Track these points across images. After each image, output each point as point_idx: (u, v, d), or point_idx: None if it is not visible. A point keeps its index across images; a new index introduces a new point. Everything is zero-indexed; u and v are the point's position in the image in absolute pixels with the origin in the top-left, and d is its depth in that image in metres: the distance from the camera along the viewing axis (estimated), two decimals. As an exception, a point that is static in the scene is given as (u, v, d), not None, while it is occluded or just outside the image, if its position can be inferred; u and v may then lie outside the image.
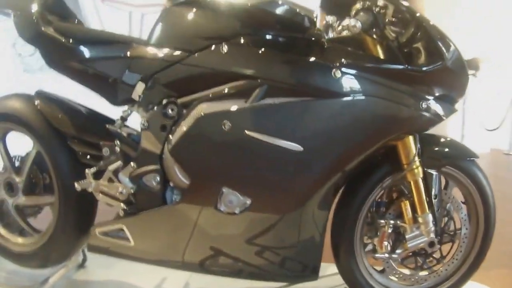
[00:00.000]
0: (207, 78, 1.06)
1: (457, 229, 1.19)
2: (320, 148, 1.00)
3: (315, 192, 1.05)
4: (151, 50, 1.13)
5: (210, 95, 1.04)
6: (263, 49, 1.02)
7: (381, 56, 1.04)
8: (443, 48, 0.99)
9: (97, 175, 1.18)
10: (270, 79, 0.99)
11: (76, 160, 1.26)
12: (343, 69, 0.98)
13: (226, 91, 1.02)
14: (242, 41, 1.03)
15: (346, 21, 0.99)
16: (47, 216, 1.35)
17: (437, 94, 1.03)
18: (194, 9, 1.10)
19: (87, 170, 1.18)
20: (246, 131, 0.99)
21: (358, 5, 1.03)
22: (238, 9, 1.06)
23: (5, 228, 1.40)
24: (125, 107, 1.25)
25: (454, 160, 1.13)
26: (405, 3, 1.04)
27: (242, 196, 1.03)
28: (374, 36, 1.04)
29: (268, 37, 1.04)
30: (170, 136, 1.07)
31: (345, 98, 0.98)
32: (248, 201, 1.03)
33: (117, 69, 1.16)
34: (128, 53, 1.16)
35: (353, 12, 1.03)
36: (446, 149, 1.15)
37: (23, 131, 1.31)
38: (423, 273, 1.21)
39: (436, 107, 1.03)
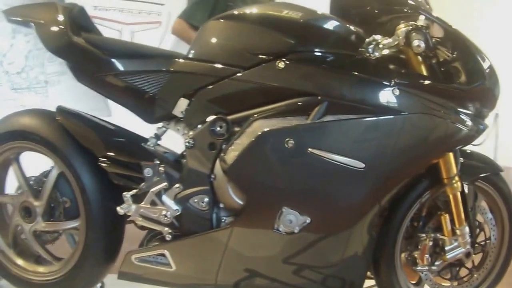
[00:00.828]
0: (260, 94, 1.04)
1: (487, 239, 1.25)
2: (380, 165, 1.01)
3: (371, 209, 1.06)
4: (194, 65, 1.10)
5: (267, 112, 1.02)
6: (320, 66, 1.03)
7: (425, 73, 1.08)
8: (483, 67, 1.06)
9: (136, 198, 1.11)
10: (330, 96, 1.00)
11: (106, 182, 1.18)
12: (400, 87, 1.01)
13: (284, 108, 1.01)
14: (298, 57, 1.03)
15: (394, 40, 1.03)
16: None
17: (476, 110, 1.09)
18: (241, 23, 1.10)
19: (125, 193, 1.10)
20: (309, 148, 0.98)
21: (402, 25, 1.05)
22: (292, 24, 1.06)
23: (20, 256, 1.29)
24: (159, 125, 1.21)
25: (485, 174, 1.20)
26: (445, 21, 1.09)
27: (301, 215, 1.01)
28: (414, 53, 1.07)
29: (324, 53, 1.05)
30: (223, 155, 1.03)
31: (403, 115, 1.01)
32: (308, 220, 1.02)
33: (156, 84, 1.12)
34: (169, 67, 1.11)
35: (399, 32, 1.04)
36: (479, 163, 1.21)
37: (43, 151, 1.22)
38: (456, 283, 1.25)
39: (475, 123, 1.09)
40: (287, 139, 0.98)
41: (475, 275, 1.24)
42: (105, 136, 1.19)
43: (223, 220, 1.08)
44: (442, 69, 1.11)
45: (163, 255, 1.11)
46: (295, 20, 1.05)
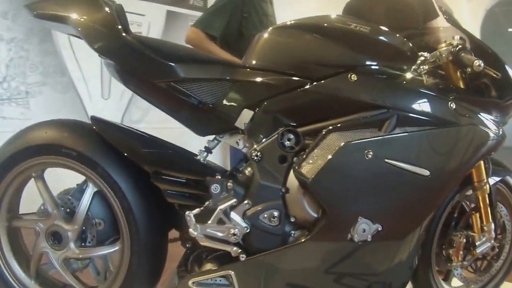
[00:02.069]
0: (331, 106, 1.04)
1: (502, 233, 1.39)
2: (441, 173, 1.08)
3: (428, 215, 1.12)
4: (259, 74, 1.05)
5: (340, 124, 1.02)
6: (388, 80, 1.07)
7: (464, 87, 1.17)
8: None
9: (199, 217, 1.02)
10: (399, 110, 1.04)
11: (152, 200, 1.09)
12: (455, 101, 1.09)
13: (357, 120, 1.03)
14: (367, 71, 1.05)
15: (436, 57, 1.11)
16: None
17: (502, 120, 1.21)
18: (309, 35, 1.07)
19: (188, 213, 1.01)
20: (385, 159, 1.01)
21: (443, 45, 1.13)
22: (362, 39, 1.07)
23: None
24: (210, 137, 1.14)
25: (504, 177, 1.34)
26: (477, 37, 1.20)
27: (373, 224, 1.03)
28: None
29: (389, 67, 1.08)
30: (298, 168, 1.01)
31: (458, 127, 1.09)
32: (380, 228, 1.04)
33: (217, 94, 1.04)
34: (232, 76, 1.05)
35: (442, 50, 1.12)
36: (498, 168, 1.34)
37: (77, 167, 1.08)
38: (479, 274, 1.37)
39: (502, 131, 1.20)
40: (366, 151, 1.00)
41: (494, 266, 1.37)
42: (152, 149, 1.08)
43: (292, 235, 1.05)
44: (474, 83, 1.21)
45: (224, 276, 1.04)
46: (365, 34, 1.07)
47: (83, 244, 1.10)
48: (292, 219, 1.03)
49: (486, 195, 1.27)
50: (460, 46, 1.11)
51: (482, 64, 1.05)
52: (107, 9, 1.02)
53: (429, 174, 1.04)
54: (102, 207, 1.12)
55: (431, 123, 1.06)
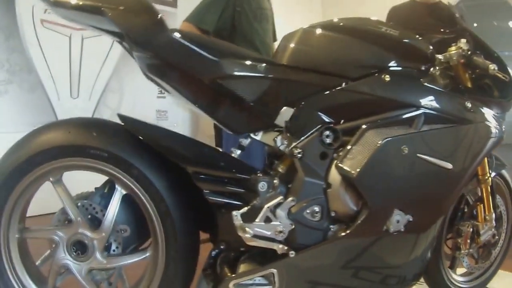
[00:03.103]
0: (367, 105, 1.09)
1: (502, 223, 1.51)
2: (461, 166, 1.17)
3: (449, 207, 1.19)
4: (297, 73, 1.07)
5: (375, 122, 1.06)
6: (416, 80, 1.14)
7: (472, 87, 1.25)
8: None
9: (246, 217, 1.00)
10: (427, 108, 1.12)
11: (187, 201, 1.04)
12: (471, 100, 1.20)
13: (391, 118, 1.08)
14: (398, 71, 1.11)
15: (447, 59, 1.19)
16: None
17: (503, 117, 1.32)
18: (346, 36, 1.12)
19: (236, 212, 0.99)
20: (418, 154, 1.06)
21: (453, 48, 1.22)
22: (393, 41, 1.14)
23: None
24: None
25: (501, 170, 1.44)
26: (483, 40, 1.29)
27: (405, 214, 1.08)
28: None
29: (415, 68, 1.16)
30: (340, 163, 1.04)
31: (474, 124, 1.19)
32: (410, 218, 1.09)
33: (257, 91, 1.03)
34: (272, 74, 1.05)
35: (453, 53, 1.20)
36: (496, 161, 1.45)
37: (107, 170, 1.00)
38: (481, 261, 1.47)
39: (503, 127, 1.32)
40: (403, 147, 1.05)
41: (493, 253, 1.48)
42: (191, 148, 1.05)
43: (330, 229, 1.07)
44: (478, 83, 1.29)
45: (264, 276, 1.02)
46: (395, 37, 1.15)
47: (107, 253, 1.02)
48: (333, 214, 1.06)
49: (489, 188, 1.36)
50: (471, 50, 1.18)
51: (496, 68, 1.12)
52: (148, 4, 0.98)
53: (451, 167, 1.11)
54: (127, 212, 1.06)
55: (452, 120, 1.15)
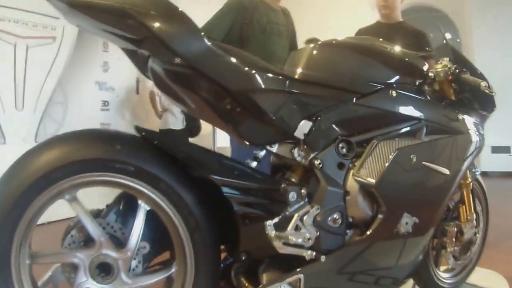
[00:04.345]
0: (377, 118, 1.23)
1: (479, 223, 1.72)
2: (456, 172, 1.34)
3: (444, 210, 1.35)
4: (314, 87, 1.16)
5: (385, 134, 1.21)
6: (417, 95, 1.31)
7: (456, 99, 1.45)
8: (493, 96, 1.50)
9: (278, 226, 1.07)
10: (429, 121, 1.29)
11: (212, 214, 1.08)
12: (461, 113, 1.37)
13: (399, 130, 1.24)
14: (401, 87, 1.27)
15: (434, 75, 1.36)
16: None
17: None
18: (356, 53, 1.25)
19: (268, 222, 1.05)
20: (423, 162, 1.22)
21: (439, 66, 1.41)
22: (397, 59, 1.30)
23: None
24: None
25: (475, 174, 1.66)
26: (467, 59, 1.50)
27: (412, 217, 1.22)
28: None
29: (414, 84, 1.32)
30: (358, 172, 1.15)
31: (465, 134, 1.39)
32: (417, 220, 1.22)
33: (280, 105, 1.09)
34: (294, 89, 1.13)
35: (439, 70, 1.37)
36: (473, 168, 1.66)
37: (129, 185, 1.00)
38: (463, 259, 1.67)
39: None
40: (412, 156, 1.19)
41: (472, 250, 1.68)
42: (217, 161, 1.09)
43: (347, 234, 1.17)
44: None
45: (290, 283, 1.09)
46: (399, 55, 1.32)
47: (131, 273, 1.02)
48: (350, 219, 1.17)
49: (470, 191, 1.56)
50: (458, 68, 1.37)
51: (487, 85, 1.32)
52: (180, 11, 0.99)
53: (449, 173, 1.28)
54: (147, 228, 1.05)
55: (448, 131, 1.34)
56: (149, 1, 0.96)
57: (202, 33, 0.99)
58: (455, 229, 1.57)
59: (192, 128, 4.70)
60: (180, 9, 0.99)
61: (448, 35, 8.21)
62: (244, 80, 1.04)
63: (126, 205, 1.08)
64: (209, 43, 1.00)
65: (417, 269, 1.38)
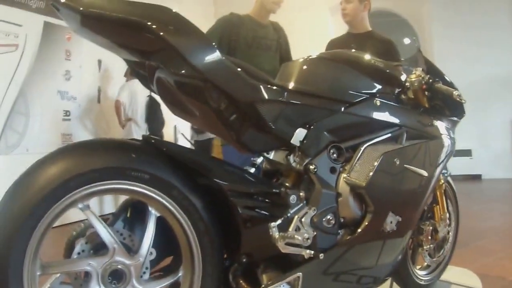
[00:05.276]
0: (363, 125, 1.39)
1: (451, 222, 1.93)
2: (433, 173, 1.52)
3: (422, 211, 1.52)
4: (308, 98, 1.29)
5: (371, 140, 1.37)
6: (397, 103, 1.48)
7: (428, 106, 1.64)
8: (463, 103, 1.70)
9: (280, 228, 1.18)
10: (408, 127, 1.48)
11: (217, 218, 1.17)
12: (436, 118, 1.55)
13: (383, 136, 1.40)
14: (384, 96, 1.44)
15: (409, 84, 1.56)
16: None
17: None
18: (343, 65, 1.41)
19: (272, 224, 1.17)
20: (405, 164, 1.39)
21: (413, 76, 1.59)
22: (380, 71, 1.47)
23: None
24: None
25: (447, 176, 1.87)
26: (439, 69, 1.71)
27: (396, 215, 1.37)
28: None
29: (394, 93, 1.50)
30: (348, 176, 1.30)
31: (439, 138, 1.58)
32: (400, 219, 1.39)
33: (280, 115, 1.20)
34: (292, 100, 1.23)
35: (413, 80, 1.57)
36: (445, 170, 1.87)
37: (142, 192, 1.07)
38: (437, 256, 1.86)
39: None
40: (395, 159, 1.36)
41: (445, 248, 1.88)
42: (221, 167, 1.18)
43: (339, 233, 1.30)
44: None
45: (289, 282, 1.21)
46: (381, 67, 1.49)
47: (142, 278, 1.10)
48: (342, 220, 1.31)
49: (443, 191, 1.76)
50: (431, 78, 1.57)
51: (459, 94, 1.51)
52: (191, 23, 1.06)
53: (427, 175, 1.45)
54: (154, 235, 1.13)
55: (425, 136, 1.51)
56: (162, 13, 1.03)
57: (215, 45, 1.08)
58: (431, 228, 1.76)
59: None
60: (191, 21, 1.06)
61: (407, 40, 8.65)
62: (251, 92, 1.15)
63: (133, 212, 1.16)
64: (221, 56, 1.08)
65: (397, 267, 1.54)
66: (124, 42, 1.04)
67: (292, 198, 1.21)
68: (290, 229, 1.18)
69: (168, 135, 5.38)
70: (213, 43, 1.08)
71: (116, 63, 4.75)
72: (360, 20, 2.67)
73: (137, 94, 4.62)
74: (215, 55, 1.07)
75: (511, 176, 6.67)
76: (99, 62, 4.88)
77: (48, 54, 3.97)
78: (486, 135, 6.28)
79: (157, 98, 4.73)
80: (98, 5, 0.97)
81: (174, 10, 1.05)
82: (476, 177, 6.54)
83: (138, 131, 4.65)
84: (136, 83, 4.60)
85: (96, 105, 4.94)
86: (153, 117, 4.78)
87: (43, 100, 4.10)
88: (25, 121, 3.76)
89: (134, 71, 1.26)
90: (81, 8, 0.95)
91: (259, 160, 1.30)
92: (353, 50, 1.51)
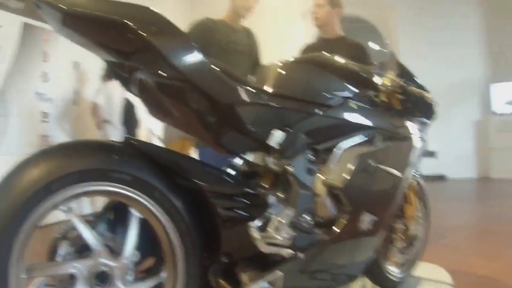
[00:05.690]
0: (339, 128, 1.42)
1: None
2: (406, 173, 1.56)
3: (395, 210, 1.57)
4: (286, 101, 1.30)
5: (347, 142, 1.41)
6: (371, 106, 1.53)
7: (400, 108, 1.70)
8: (434, 105, 1.77)
9: (261, 228, 1.20)
10: (382, 129, 1.52)
11: (204, 220, 1.17)
12: (407, 120, 1.61)
13: (358, 138, 1.44)
14: (361, 99, 1.48)
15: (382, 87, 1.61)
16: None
17: None
18: (321, 69, 1.43)
19: (252, 224, 1.18)
20: (379, 165, 1.43)
21: (387, 79, 1.64)
22: (354, 73, 1.50)
23: None
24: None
25: (417, 176, 1.93)
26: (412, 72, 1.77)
27: (371, 215, 1.42)
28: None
29: (369, 95, 1.54)
30: (325, 177, 1.33)
31: (412, 140, 1.64)
32: (376, 218, 1.43)
33: (255, 116, 1.21)
34: (271, 102, 1.25)
35: (386, 83, 1.62)
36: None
37: (124, 194, 1.06)
38: (408, 253, 1.91)
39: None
40: (370, 161, 1.39)
41: (416, 245, 1.94)
42: (201, 168, 1.18)
43: (317, 233, 1.33)
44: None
45: (269, 281, 1.22)
46: (357, 71, 1.52)
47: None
48: (319, 220, 1.34)
49: (414, 191, 1.82)
50: (405, 81, 1.62)
51: (431, 97, 1.57)
52: (173, 23, 1.05)
53: (400, 175, 1.50)
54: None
55: (398, 138, 1.56)
56: (145, 14, 1.02)
57: (197, 47, 1.07)
58: (402, 226, 1.81)
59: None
60: (174, 23, 1.06)
61: (376, 46, 8.77)
62: (232, 94, 1.15)
63: (115, 214, 1.16)
64: (203, 57, 1.07)
65: (371, 264, 1.58)
66: (106, 42, 1.03)
67: (272, 199, 1.23)
68: (270, 229, 1.21)
69: (142, 137, 5.32)
70: (196, 45, 1.07)
71: (92, 65, 4.68)
72: (331, 25, 2.70)
73: (113, 96, 4.58)
74: (198, 57, 1.06)
75: (474, 176, 6.92)
76: (76, 64, 4.80)
77: (26, 55, 3.89)
78: (450, 136, 6.39)
79: (133, 100, 4.71)
80: (81, 4, 0.95)
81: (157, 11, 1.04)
82: (440, 178, 6.69)
83: (114, 133, 4.62)
84: (112, 86, 4.57)
85: (73, 107, 4.86)
86: (129, 119, 4.75)
87: (22, 101, 4.00)
88: (5, 123, 3.66)
89: (113, 72, 1.23)
90: (63, 7, 0.93)
91: (238, 161, 1.31)
92: (324, 53, 1.54)
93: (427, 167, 6.65)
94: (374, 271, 1.77)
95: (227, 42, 2.32)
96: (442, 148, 6.70)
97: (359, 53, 2.54)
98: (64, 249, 1.06)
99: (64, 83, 4.64)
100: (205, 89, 1.09)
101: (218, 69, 1.13)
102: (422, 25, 6.82)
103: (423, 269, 2.13)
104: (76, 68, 4.84)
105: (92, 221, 1.12)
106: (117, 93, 4.56)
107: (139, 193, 1.07)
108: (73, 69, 4.80)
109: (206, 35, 2.22)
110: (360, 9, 6.46)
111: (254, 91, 1.23)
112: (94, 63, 4.45)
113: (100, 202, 1.21)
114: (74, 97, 4.87)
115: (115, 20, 0.95)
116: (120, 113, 4.70)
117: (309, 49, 2.76)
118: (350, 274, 1.46)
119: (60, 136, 4.53)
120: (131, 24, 0.95)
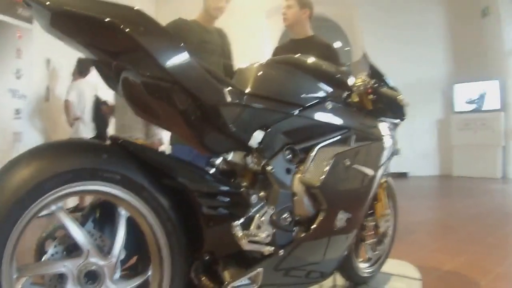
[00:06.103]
0: (315, 128, 1.47)
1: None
2: (377, 172, 1.65)
3: (368, 208, 1.64)
4: (266, 101, 1.32)
5: (324, 142, 1.46)
6: (345, 106, 1.59)
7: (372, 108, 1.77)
8: (405, 106, 1.86)
9: (243, 226, 1.22)
10: (356, 129, 1.58)
11: (190, 218, 1.19)
12: (380, 121, 1.70)
13: (334, 138, 1.49)
14: (336, 99, 1.53)
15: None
16: None
17: None
18: (298, 70, 1.47)
19: (235, 223, 1.21)
20: (353, 165, 1.51)
21: (360, 80, 1.69)
22: (330, 74, 1.56)
23: None
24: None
25: (387, 177, 2.02)
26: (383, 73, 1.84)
27: (345, 212, 1.48)
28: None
29: (343, 96, 1.60)
30: (303, 176, 1.37)
31: (382, 139, 1.71)
32: (350, 216, 1.49)
33: (236, 117, 1.22)
34: (252, 103, 1.26)
35: (360, 84, 1.67)
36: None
37: (112, 193, 1.07)
38: (377, 250, 2.00)
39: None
40: (345, 160, 1.46)
41: (385, 242, 2.03)
42: (188, 168, 1.19)
43: (294, 231, 1.37)
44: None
45: (250, 277, 1.26)
46: (332, 72, 1.57)
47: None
48: (297, 218, 1.38)
49: (384, 189, 1.91)
50: (376, 82, 1.69)
51: (403, 98, 1.64)
52: (160, 24, 1.05)
53: (372, 174, 1.57)
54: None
55: (371, 138, 1.64)
56: (133, 14, 1.00)
57: (184, 47, 1.06)
58: (373, 223, 1.89)
59: (102, 136, 4.66)
60: (160, 23, 1.06)
61: (339, 44, 8.75)
62: (216, 94, 1.17)
63: (102, 213, 1.16)
64: (190, 58, 1.07)
65: (343, 261, 1.64)
66: (95, 42, 1.02)
67: (253, 198, 1.26)
68: (252, 227, 1.24)
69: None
70: (182, 45, 1.07)
71: (64, 62, 4.59)
72: (301, 25, 2.72)
73: (85, 93, 4.53)
74: (185, 57, 1.06)
75: (435, 173, 7.16)
76: (48, 61, 4.69)
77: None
78: (412, 134, 6.46)
79: (103, 97, 4.63)
80: (70, 3, 0.95)
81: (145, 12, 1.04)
82: (402, 175, 6.84)
83: (85, 129, 4.57)
84: (83, 83, 4.51)
85: (44, 103, 4.74)
86: (99, 116, 4.70)
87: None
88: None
89: (98, 70, 1.22)
90: (52, 6, 0.92)
91: (218, 160, 1.31)
92: (299, 55, 1.58)
93: (391, 164, 6.80)
94: (345, 267, 1.82)
95: (200, 42, 2.34)
96: (405, 145, 6.87)
97: (328, 53, 2.56)
98: (53, 248, 1.06)
99: (37, 80, 4.55)
100: (192, 89, 1.09)
101: (203, 70, 1.12)
102: (386, 23, 6.88)
103: (392, 265, 2.21)
104: (48, 65, 4.73)
105: (79, 220, 1.13)
106: (88, 90, 4.53)
107: (128, 192, 1.08)
108: (45, 66, 4.69)
109: (181, 35, 2.22)
110: (325, 8, 6.44)
111: (236, 92, 1.25)
112: (65, 59, 4.38)
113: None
114: (46, 93, 4.76)
115: (103, 19, 0.94)
116: (90, 110, 4.66)
117: (280, 50, 2.77)
118: (324, 271, 1.52)
119: (32, 133, 4.43)
120: (119, 24, 0.95)
